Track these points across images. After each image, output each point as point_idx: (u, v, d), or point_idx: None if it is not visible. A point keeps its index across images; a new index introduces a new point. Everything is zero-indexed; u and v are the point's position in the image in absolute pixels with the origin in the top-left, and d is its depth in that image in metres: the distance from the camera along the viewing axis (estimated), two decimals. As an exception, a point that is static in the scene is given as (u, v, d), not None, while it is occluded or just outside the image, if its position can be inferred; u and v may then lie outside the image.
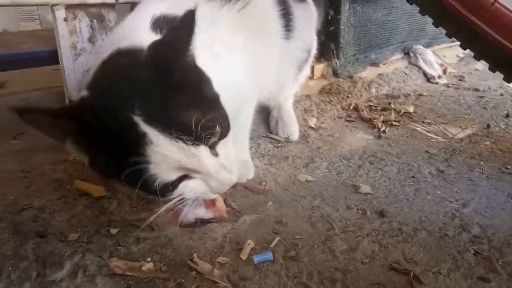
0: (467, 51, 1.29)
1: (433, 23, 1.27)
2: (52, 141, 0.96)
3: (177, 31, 0.62)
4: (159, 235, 0.80)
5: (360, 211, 0.89)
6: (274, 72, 1.08)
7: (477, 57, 1.22)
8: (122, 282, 0.68)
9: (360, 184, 0.99)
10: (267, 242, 0.79)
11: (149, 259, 0.73)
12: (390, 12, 1.90)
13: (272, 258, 0.74)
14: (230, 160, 0.68)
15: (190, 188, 0.67)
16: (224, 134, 0.66)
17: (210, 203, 0.86)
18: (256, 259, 0.73)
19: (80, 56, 1.25)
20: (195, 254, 0.74)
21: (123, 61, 0.67)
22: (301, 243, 0.78)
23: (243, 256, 0.75)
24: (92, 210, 0.86)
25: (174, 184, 0.64)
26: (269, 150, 1.22)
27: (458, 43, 1.25)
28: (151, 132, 0.59)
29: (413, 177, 1.05)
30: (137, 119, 0.58)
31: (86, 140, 0.63)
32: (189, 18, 0.61)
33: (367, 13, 1.82)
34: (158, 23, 0.76)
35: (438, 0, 1.16)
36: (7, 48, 1.26)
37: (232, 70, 0.89)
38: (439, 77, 2.10)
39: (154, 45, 0.62)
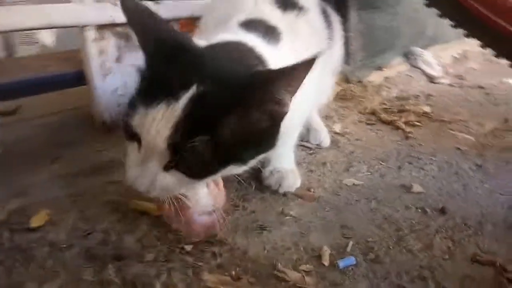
0: (461, 51, 1.36)
1: (452, 25, 1.32)
2: (92, 163, 0.96)
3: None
4: (232, 247, 0.80)
5: (420, 210, 0.91)
6: (321, 82, 1.09)
7: (498, 56, 1.27)
8: (216, 298, 0.67)
9: (412, 184, 1.01)
10: (341, 247, 0.80)
11: (233, 272, 0.73)
12: (394, 18, 1.96)
13: (355, 262, 0.74)
14: (168, 185, 0.66)
15: (130, 152, 0.67)
16: (189, 175, 0.65)
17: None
18: (341, 264, 0.74)
19: (107, 76, 1.25)
20: (279, 264, 0.74)
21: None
22: (375, 245, 0.79)
23: (326, 262, 0.75)
24: (157, 229, 0.84)
25: (131, 136, 0.65)
26: (304, 158, 1.23)
27: (454, 44, 1.32)
28: (180, 97, 0.61)
29: (456, 173, 1.07)
30: (190, 83, 0.62)
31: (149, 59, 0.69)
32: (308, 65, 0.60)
33: (372, 19, 1.87)
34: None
35: (460, 3, 1.21)
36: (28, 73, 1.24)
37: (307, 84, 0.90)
38: (441, 77, 2.16)
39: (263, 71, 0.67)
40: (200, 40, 0.76)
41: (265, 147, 0.71)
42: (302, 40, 0.89)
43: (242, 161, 0.70)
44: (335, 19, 1.14)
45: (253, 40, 0.78)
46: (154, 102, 0.62)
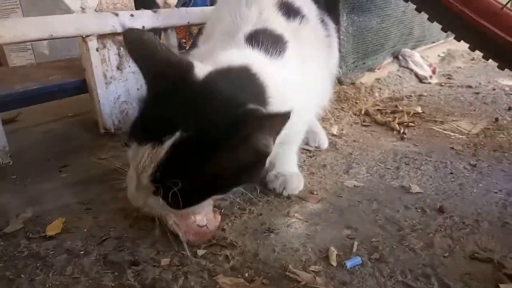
0: (446, 50, 1.40)
1: (442, 29, 1.37)
2: (99, 171, 0.99)
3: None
4: (243, 250, 0.83)
5: (419, 210, 0.95)
6: (320, 88, 1.13)
7: (486, 58, 1.32)
8: (233, 299, 0.71)
9: (410, 185, 1.05)
10: (347, 247, 0.84)
11: (246, 274, 0.76)
12: (383, 20, 2.01)
13: (361, 262, 0.78)
14: (153, 206, 0.75)
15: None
16: (172, 205, 0.72)
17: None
18: (349, 264, 0.77)
19: (110, 85, 1.27)
20: (290, 265, 0.78)
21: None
22: (380, 245, 0.83)
23: (333, 262, 0.79)
24: (170, 233, 0.87)
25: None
26: (304, 160, 1.26)
27: (439, 43, 1.36)
28: (166, 139, 0.67)
29: (451, 173, 1.12)
30: (174, 134, 0.67)
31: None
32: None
33: (363, 22, 1.92)
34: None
35: (447, 7, 1.26)
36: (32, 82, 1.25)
37: (311, 90, 0.94)
38: (430, 77, 2.22)
39: (253, 112, 0.69)
40: (205, 65, 0.78)
41: (250, 179, 0.78)
42: (307, 48, 0.92)
43: (223, 192, 0.78)
44: (332, 27, 1.18)
45: (257, 61, 0.81)
46: (143, 140, 0.69)
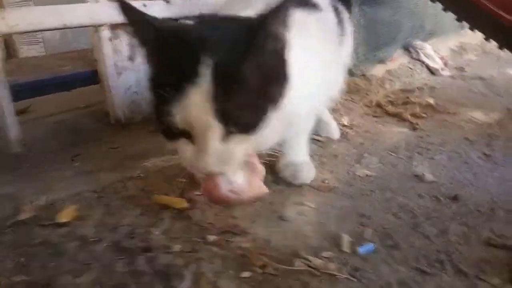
0: (459, 43, 1.38)
1: (456, 19, 1.34)
2: (110, 160, 0.99)
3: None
4: (254, 238, 0.83)
5: (433, 199, 0.94)
6: (332, 78, 1.12)
7: (501, 48, 1.29)
8: (244, 285, 0.70)
9: (424, 174, 1.04)
10: (360, 234, 0.83)
11: (259, 261, 0.76)
12: (396, 11, 1.98)
13: (374, 249, 0.78)
14: (232, 155, 0.70)
15: (183, 148, 0.70)
16: (247, 130, 0.69)
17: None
18: (361, 250, 0.77)
19: (121, 75, 1.27)
20: (301, 252, 0.77)
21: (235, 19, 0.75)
22: (393, 232, 0.82)
23: (346, 249, 0.78)
24: (181, 222, 0.88)
25: (177, 134, 0.69)
26: (316, 150, 1.25)
27: (450, 36, 1.33)
28: (201, 73, 0.63)
29: (466, 163, 1.11)
30: (202, 57, 0.63)
31: (154, 55, 0.71)
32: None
33: (375, 14, 1.89)
34: None
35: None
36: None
37: (315, 77, 0.92)
38: (442, 69, 2.19)
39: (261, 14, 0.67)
40: None
41: (283, 80, 0.73)
42: (311, 36, 0.91)
43: (274, 100, 0.72)
44: (346, 16, 1.17)
45: None
46: (182, 91, 0.64)
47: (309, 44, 0.86)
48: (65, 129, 1.30)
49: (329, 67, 0.99)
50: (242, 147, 0.71)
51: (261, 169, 0.86)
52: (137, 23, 0.70)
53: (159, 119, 0.69)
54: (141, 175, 1.06)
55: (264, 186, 0.92)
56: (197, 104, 0.64)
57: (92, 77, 1.29)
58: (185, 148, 0.70)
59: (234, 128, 0.67)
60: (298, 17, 0.88)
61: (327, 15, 1.03)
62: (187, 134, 0.68)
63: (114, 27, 1.21)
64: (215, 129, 0.66)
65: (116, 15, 1.19)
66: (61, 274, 0.72)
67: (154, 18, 0.70)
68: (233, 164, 0.72)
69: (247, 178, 0.85)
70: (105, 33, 1.18)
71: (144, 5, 1.25)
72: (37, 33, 2.17)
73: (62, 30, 2.33)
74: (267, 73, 0.70)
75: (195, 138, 0.68)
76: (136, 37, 0.72)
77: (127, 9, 0.69)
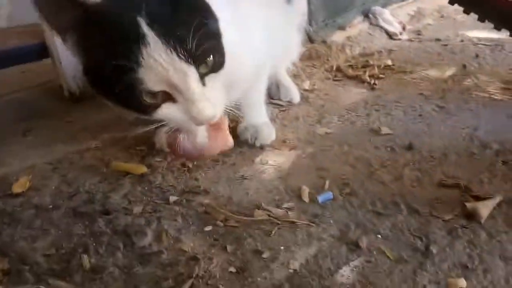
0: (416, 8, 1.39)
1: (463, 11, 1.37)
2: (65, 133, 0.96)
3: None
4: (216, 196, 0.83)
5: (389, 149, 0.96)
6: (281, 37, 1.12)
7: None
8: (207, 237, 0.71)
9: (380, 127, 1.06)
10: (319, 186, 0.84)
11: (221, 216, 0.76)
12: (352, -24, 1.99)
13: (332, 197, 0.79)
14: (215, 95, 0.70)
15: (171, 112, 0.69)
16: (216, 67, 0.68)
17: (213, 134, 0.91)
18: (320, 198, 0.79)
19: (72, 47, 1.22)
20: (262, 203, 0.78)
21: None
22: (350, 181, 0.85)
23: (306, 199, 0.80)
24: (142, 186, 0.87)
25: (157, 103, 0.67)
26: (277, 114, 1.26)
27: (408, 2, 1.33)
28: (151, 35, 0.61)
29: (420, 115, 1.14)
30: (141, 20, 0.61)
31: (86, 38, 0.65)
32: None
33: (332, -21, 1.90)
34: None
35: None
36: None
37: (251, 32, 0.91)
38: (400, 33, 2.22)
39: None
40: None
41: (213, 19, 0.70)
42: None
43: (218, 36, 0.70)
44: None
45: None
46: (140, 57, 0.61)
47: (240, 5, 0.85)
48: (18, 106, 1.24)
49: (272, 22, 0.99)
50: (219, 86, 0.71)
51: (226, 124, 0.87)
52: (59, 10, 0.63)
53: (126, 99, 0.66)
54: (99, 145, 1.03)
55: (231, 140, 0.93)
56: (164, 59, 0.62)
57: (42, 50, 1.24)
58: (171, 111, 0.68)
59: (204, 67, 0.66)
60: None
61: None
62: (165, 97, 0.66)
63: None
64: (192, 73, 0.64)
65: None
66: (16, 240, 0.70)
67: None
68: (220, 105, 0.71)
69: (212, 134, 0.87)
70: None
71: None
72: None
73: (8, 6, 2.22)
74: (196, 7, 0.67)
75: (177, 93, 0.66)
76: (60, 25, 0.65)
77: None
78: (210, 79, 0.68)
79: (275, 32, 1.05)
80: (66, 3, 0.62)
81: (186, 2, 0.65)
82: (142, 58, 0.61)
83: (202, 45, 0.63)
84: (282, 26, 1.11)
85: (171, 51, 0.61)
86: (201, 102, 0.66)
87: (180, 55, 0.62)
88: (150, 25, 0.61)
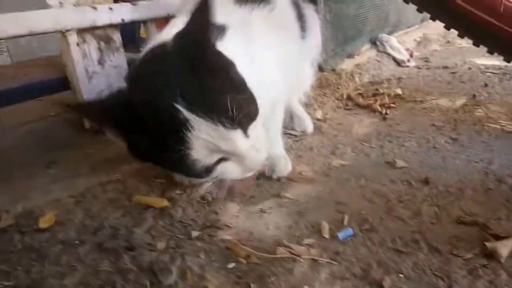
0: (422, 35, 1.41)
1: (444, 26, 1.39)
2: (86, 165, 0.98)
3: (195, 19, 0.67)
4: (237, 231, 0.85)
5: (405, 183, 0.98)
6: (296, 70, 1.15)
7: (491, 52, 1.34)
8: (231, 275, 0.72)
9: (395, 160, 1.08)
10: (338, 221, 0.86)
11: (243, 252, 0.77)
12: (360, 5, 2.04)
13: (353, 233, 0.81)
14: (259, 141, 0.74)
15: (226, 169, 0.73)
16: (254, 116, 0.72)
17: None
18: (341, 235, 0.80)
19: (92, 79, 1.26)
20: (284, 240, 0.79)
21: (156, 53, 0.74)
22: (369, 217, 0.86)
23: (326, 235, 0.81)
24: (163, 220, 0.88)
25: (213, 167, 0.71)
26: (291, 145, 1.28)
27: (414, 28, 1.36)
28: (193, 119, 0.64)
29: (434, 147, 1.16)
30: (180, 107, 0.64)
31: (124, 128, 0.70)
32: (204, 4, 0.66)
33: (340, 9, 1.94)
34: None
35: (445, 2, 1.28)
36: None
37: (267, 70, 0.94)
38: (408, 60, 2.26)
39: (177, 35, 0.68)
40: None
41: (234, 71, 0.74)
42: (258, 32, 0.93)
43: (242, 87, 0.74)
44: (309, 10, 1.20)
45: None
46: (186, 134, 0.64)
47: (254, 39, 0.88)
48: (38, 137, 1.27)
49: (288, 59, 1.02)
50: (260, 129, 0.75)
51: None
52: (107, 114, 0.69)
53: (179, 169, 0.72)
54: (120, 177, 1.05)
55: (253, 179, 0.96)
56: (212, 136, 0.65)
57: (62, 83, 1.28)
58: (226, 169, 0.73)
59: (243, 120, 0.69)
60: (235, 16, 0.89)
61: (282, 10, 1.05)
62: (218, 160, 0.71)
63: (81, 31, 1.20)
64: (238, 135, 0.68)
65: (82, 20, 1.19)
66: (45, 277, 0.72)
67: (116, 99, 0.70)
68: (265, 147, 0.76)
69: None
70: (73, 38, 1.17)
71: (111, 9, 1.24)
72: (0, 42, 2.12)
73: (27, 38, 2.28)
74: (220, 73, 0.70)
75: (228, 153, 0.70)
76: (110, 125, 0.72)
77: (89, 110, 0.71)
78: (252, 128, 0.72)
79: (290, 68, 1.09)
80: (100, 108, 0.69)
81: (208, 67, 0.68)
82: (192, 142, 0.65)
83: (240, 106, 0.67)
84: (297, 61, 1.15)
85: (216, 125, 0.65)
86: (251, 154, 0.71)
87: (226, 125, 0.65)
88: (190, 109, 0.64)
